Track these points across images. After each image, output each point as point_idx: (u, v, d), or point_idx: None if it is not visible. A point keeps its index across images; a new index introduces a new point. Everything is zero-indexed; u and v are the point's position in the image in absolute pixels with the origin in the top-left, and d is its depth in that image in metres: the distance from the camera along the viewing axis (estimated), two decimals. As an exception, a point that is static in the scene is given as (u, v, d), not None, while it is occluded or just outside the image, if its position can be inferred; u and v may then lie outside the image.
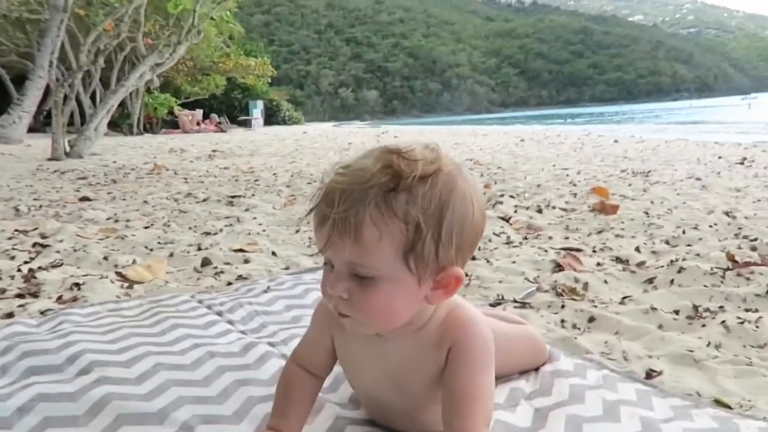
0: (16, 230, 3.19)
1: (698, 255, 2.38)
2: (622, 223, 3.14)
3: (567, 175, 5.40)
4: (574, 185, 4.69)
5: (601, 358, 1.44)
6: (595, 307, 1.82)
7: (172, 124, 24.27)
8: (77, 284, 2.10)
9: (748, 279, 2.04)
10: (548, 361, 1.32)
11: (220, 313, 1.70)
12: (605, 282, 2.10)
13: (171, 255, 2.59)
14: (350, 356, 1.00)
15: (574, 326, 1.70)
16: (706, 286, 1.98)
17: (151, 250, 2.71)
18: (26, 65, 15.50)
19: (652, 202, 3.79)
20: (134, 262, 2.45)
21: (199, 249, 2.70)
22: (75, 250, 2.68)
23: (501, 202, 3.83)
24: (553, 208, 3.67)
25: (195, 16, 10.02)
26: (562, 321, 1.73)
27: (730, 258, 2.26)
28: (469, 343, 0.88)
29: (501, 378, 1.19)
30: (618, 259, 2.41)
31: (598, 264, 2.34)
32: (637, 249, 2.55)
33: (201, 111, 25.76)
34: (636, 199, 3.94)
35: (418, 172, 0.79)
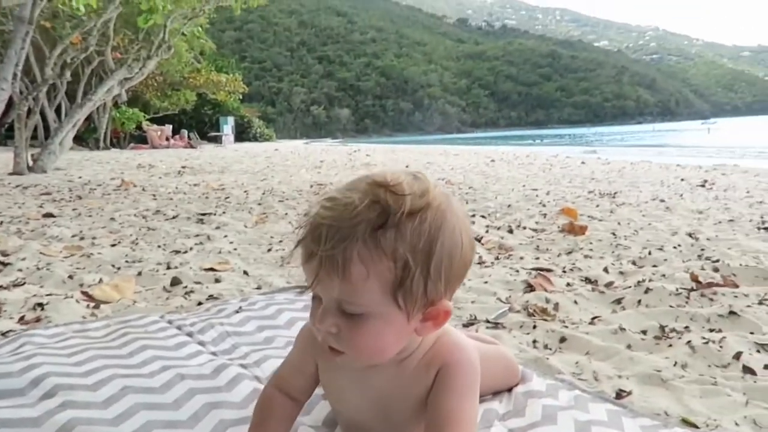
0: (-25, 247, 3.08)
1: (664, 276, 2.43)
2: (591, 243, 3.20)
3: (537, 196, 5.49)
4: (544, 206, 4.77)
5: (573, 379, 1.46)
6: (566, 327, 1.85)
7: (140, 139, 23.92)
8: (40, 304, 2.03)
9: (711, 299, 2.09)
10: (521, 381, 1.33)
11: (190, 334, 1.67)
12: (575, 302, 2.13)
13: (139, 274, 2.53)
14: (334, 383, 0.98)
15: (546, 347, 1.72)
16: (671, 306, 2.03)
17: (119, 268, 2.65)
18: (-11, 77, 15.10)
19: (618, 223, 3.88)
20: (101, 281, 2.39)
21: (169, 268, 2.66)
22: (38, 269, 2.60)
23: (473, 222, 3.87)
24: (524, 228, 3.72)
25: (165, 32, 9.96)
26: (534, 341, 1.75)
27: (694, 279, 2.32)
28: (457, 368, 0.88)
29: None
30: (587, 280, 2.45)
31: (568, 284, 2.38)
32: (606, 269, 2.60)
33: (170, 126, 25.48)
34: (603, 219, 4.03)
35: (406, 208, 0.78)
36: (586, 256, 2.90)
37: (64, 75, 11.47)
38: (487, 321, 1.91)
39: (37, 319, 1.91)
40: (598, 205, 4.78)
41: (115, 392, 1.29)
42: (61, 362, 1.44)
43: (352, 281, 0.77)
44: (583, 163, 11.15)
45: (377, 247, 0.76)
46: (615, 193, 5.71)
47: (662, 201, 5.02)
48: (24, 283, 2.37)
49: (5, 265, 2.69)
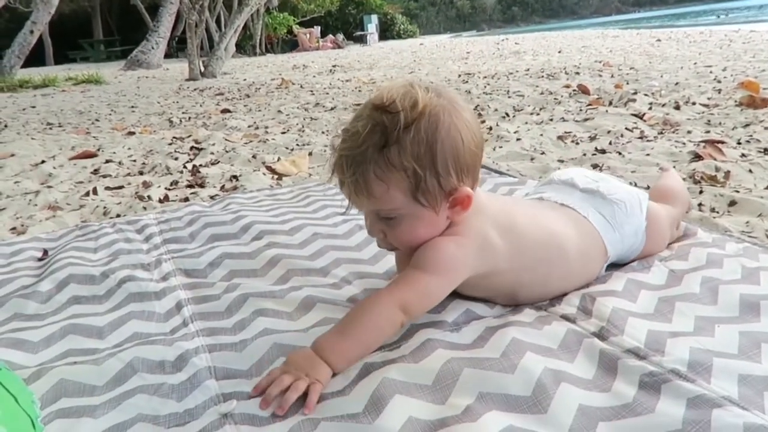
0: (174, 137, 3.58)
1: None
2: (774, 116, 2.89)
3: (710, 72, 4.94)
4: (719, 82, 4.30)
5: (742, 235, 1.42)
6: (737, 192, 1.77)
7: (292, 44, 24.78)
8: (235, 176, 2.37)
9: None
10: (685, 235, 1.34)
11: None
12: (750, 171, 2.00)
13: (310, 154, 2.80)
14: None
15: (713, 210, 1.67)
16: None
17: (292, 150, 2.95)
18: (158, -7, 16.41)
19: (812, 94, 3.41)
20: (279, 159, 2.70)
21: (334, 149, 2.90)
22: (226, 152, 2.99)
23: (634, 100, 3.64)
24: (693, 104, 3.43)
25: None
26: (700, 204, 1.70)
27: None
28: (424, 247, 0.97)
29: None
30: (766, 151, 2.26)
31: (743, 155, 2.21)
32: (790, 140, 2.37)
33: (318, 28, 25.99)
34: (793, 92, 3.56)
35: (402, 124, 0.88)
36: (767, 128, 2.64)
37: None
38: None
39: (234, 188, 2.24)
40: (787, 78, 4.20)
41: (307, 237, 1.52)
42: (262, 214, 1.72)
43: (376, 196, 0.92)
44: (771, 35, 9.61)
45: (387, 163, 0.89)
46: (811, 64, 4.94)
47: None
48: (218, 162, 2.75)
49: (200, 150, 3.12)
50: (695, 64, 5.82)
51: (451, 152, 0.92)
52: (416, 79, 0.98)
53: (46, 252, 1.56)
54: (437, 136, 0.91)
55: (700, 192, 1.78)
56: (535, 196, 1.23)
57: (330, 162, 0.98)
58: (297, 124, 3.86)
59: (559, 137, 2.80)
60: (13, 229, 1.94)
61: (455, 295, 1.06)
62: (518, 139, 2.81)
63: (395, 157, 0.89)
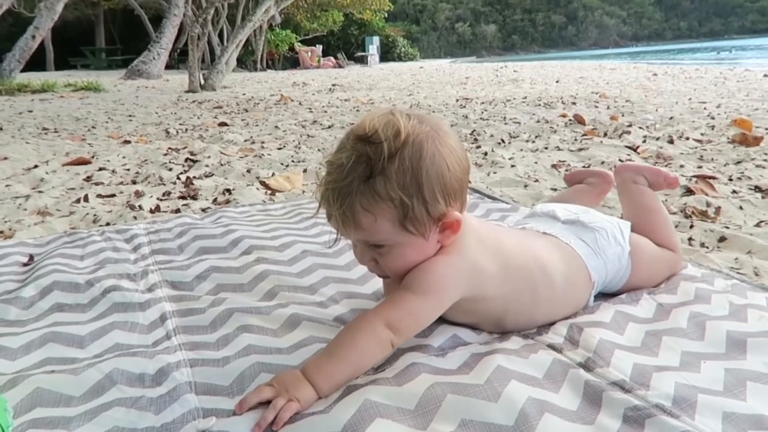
0: (169, 148, 3.58)
1: None
2: (766, 154, 2.92)
3: (704, 109, 5.01)
4: (712, 118, 4.36)
5: (730, 272, 1.43)
6: (727, 228, 1.78)
7: (293, 60, 24.98)
8: (228, 189, 2.37)
9: None
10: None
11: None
12: (740, 208, 2.01)
13: (305, 171, 2.81)
14: None
15: (703, 245, 1.68)
16: None
17: (287, 166, 2.95)
18: (162, 5, 16.54)
19: (803, 135, 3.45)
20: (273, 174, 2.70)
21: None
22: (221, 165, 2.98)
23: (628, 132, 3.68)
24: (687, 139, 3.47)
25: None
26: (690, 239, 1.71)
27: None
28: (415, 269, 0.97)
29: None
30: (757, 188, 2.28)
31: (734, 191, 2.24)
32: (781, 179, 2.39)
33: (320, 47, 26.22)
34: (784, 132, 3.61)
35: (385, 154, 0.88)
36: (758, 166, 2.67)
37: (226, -3, 12.21)
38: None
39: (227, 201, 2.23)
40: (779, 118, 4.26)
41: (297, 254, 1.51)
42: (252, 229, 1.71)
43: (364, 227, 0.91)
44: (766, 75, 9.78)
45: (373, 194, 0.88)
46: (803, 105, 5.02)
47: None
48: (212, 175, 2.74)
49: (195, 161, 3.11)
50: (690, 99, 5.91)
51: (437, 179, 0.91)
52: (397, 106, 0.98)
53: (32, 257, 1.54)
54: (422, 164, 0.90)
55: (691, 226, 1.79)
56: (518, 227, 1.25)
57: (315, 195, 0.97)
58: (293, 140, 3.87)
59: (554, 165, 2.82)
60: (1, 232, 1.93)
61: (442, 320, 1.05)
62: (513, 166, 2.83)
63: (381, 188, 0.88)
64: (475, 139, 3.74)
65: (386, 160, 0.88)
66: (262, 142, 3.80)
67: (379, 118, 0.91)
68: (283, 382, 0.86)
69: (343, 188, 0.89)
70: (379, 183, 0.88)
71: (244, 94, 8.75)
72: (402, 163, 0.89)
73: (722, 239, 1.69)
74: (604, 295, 1.20)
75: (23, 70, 11.36)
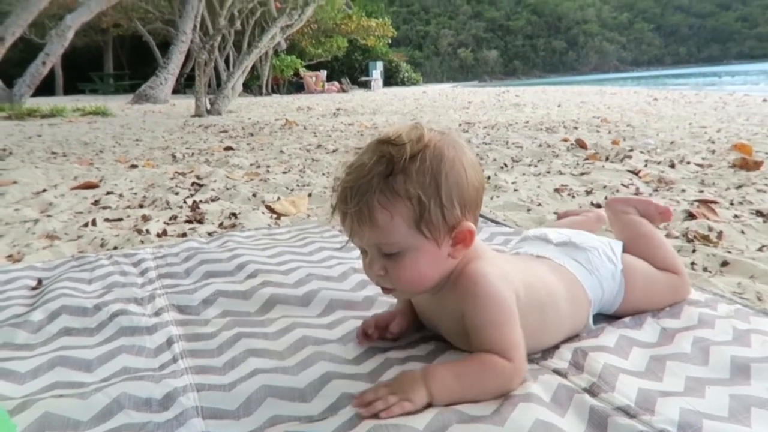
0: (176, 172, 3.62)
1: None
2: (767, 178, 2.94)
3: (705, 133, 5.04)
4: (713, 143, 4.39)
5: (733, 296, 1.43)
6: (729, 252, 1.79)
7: (297, 85, 25.27)
8: (234, 214, 2.39)
9: None
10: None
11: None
12: (742, 232, 2.02)
13: (310, 195, 2.83)
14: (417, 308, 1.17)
15: (705, 269, 1.69)
16: None
17: (292, 190, 2.98)
18: (170, 31, 16.84)
19: (804, 159, 3.47)
20: (279, 198, 2.72)
21: (334, 190, 2.93)
22: (227, 189, 3.01)
23: (630, 156, 3.71)
24: (688, 163, 3.49)
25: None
26: (692, 263, 1.72)
27: None
28: (475, 305, 0.96)
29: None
30: (759, 213, 2.29)
31: (736, 216, 2.25)
32: (783, 203, 2.41)
33: (324, 72, 26.54)
34: (785, 156, 3.63)
35: (407, 154, 0.90)
36: (759, 191, 2.69)
37: (234, 24, 12.43)
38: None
39: (233, 225, 2.25)
40: (780, 142, 4.29)
41: (302, 277, 1.53)
42: (258, 254, 1.73)
43: (380, 225, 0.91)
44: (765, 100, 9.85)
45: (392, 192, 0.90)
46: (804, 130, 5.05)
47: None
48: (218, 199, 2.77)
49: (201, 185, 3.15)
50: (690, 124, 5.95)
51: (455, 184, 0.93)
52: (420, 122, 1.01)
53: (40, 281, 1.56)
54: (442, 167, 0.92)
55: (693, 251, 1.80)
56: (512, 252, 1.27)
57: (332, 199, 0.98)
58: (298, 164, 3.90)
59: (556, 190, 2.84)
60: (9, 256, 1.95)
61: (449, 347, 1.06)
62: (515, 190, 2.85)
63: (400, 185, 0.90)
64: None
65: (408, 159, 0.90)
66: (268, 166, 3.84)
67: (403, 127, 0.95)
68: (401, 382, 0.90)
69: (362, 185, 0.91)
70: (399, 180, 0.90)
71: (249, 119, 8.84)
72: (423, 163, 0.91)
73: (725, 264, 1.70)
74: (607, 318, 1.21)
75: (33, 95, 11.53)
